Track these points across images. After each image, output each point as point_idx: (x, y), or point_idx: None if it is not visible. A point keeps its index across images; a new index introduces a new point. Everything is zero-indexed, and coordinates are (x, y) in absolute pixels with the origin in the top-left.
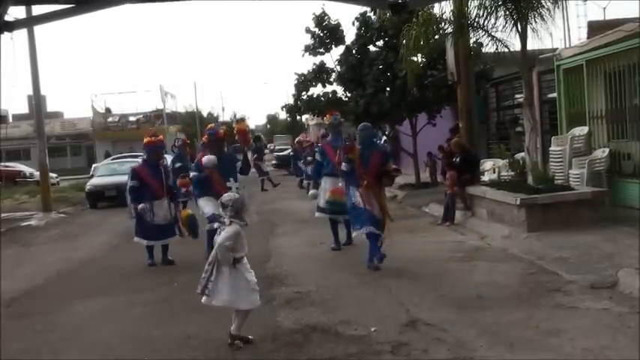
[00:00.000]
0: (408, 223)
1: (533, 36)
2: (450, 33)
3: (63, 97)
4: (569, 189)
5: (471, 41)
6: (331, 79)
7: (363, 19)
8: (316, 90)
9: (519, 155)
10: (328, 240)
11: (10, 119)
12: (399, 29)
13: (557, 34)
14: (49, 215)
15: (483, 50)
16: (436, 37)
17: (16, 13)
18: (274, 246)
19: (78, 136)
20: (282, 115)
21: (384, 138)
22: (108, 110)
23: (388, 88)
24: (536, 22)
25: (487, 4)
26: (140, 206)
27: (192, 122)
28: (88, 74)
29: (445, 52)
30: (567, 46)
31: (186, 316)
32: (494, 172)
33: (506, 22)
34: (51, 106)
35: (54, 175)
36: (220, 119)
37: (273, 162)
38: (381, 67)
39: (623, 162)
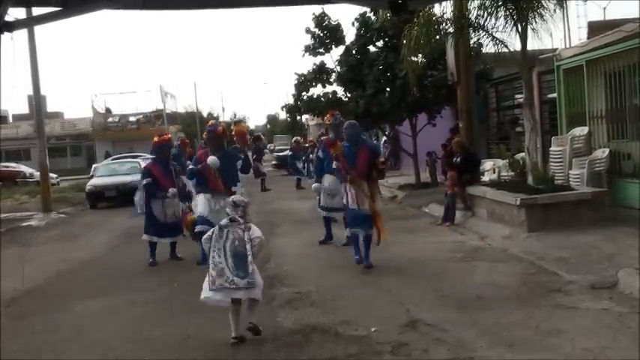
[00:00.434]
0: (408, 223)
1: (534, 36)
2: (451, 33)
3: (63, 97)
4: (570, 189)
5: (471, 41)
6: (331, 80)
7: (362, 20)
8: (316, 90)
9: (519, 155)
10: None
11: (10, 119)
12: (399, 29)
13: (558, 34)
14: (49, 215)
15: (483, 50)
16: (437, 37)
17: (16, 13)
18: (274, 246)
19: (78, 136)
20: (282, 115)
21: (385, 138)
22: (108, 110)
23: (388, 89)
24: (536, 22)
25: (487, 4)
26: (172, 191)
27: (193, 122)
28: (88, 74)
29: (445, 52)
30: (567, 46)
31: (186, 316)
32: (494, 173)
33: (506, 23)
34: (51, 107)
35: (54, 175)
36: (220, 119)
37: (273, 162)
38: (381, 67)
39: (623, 162)
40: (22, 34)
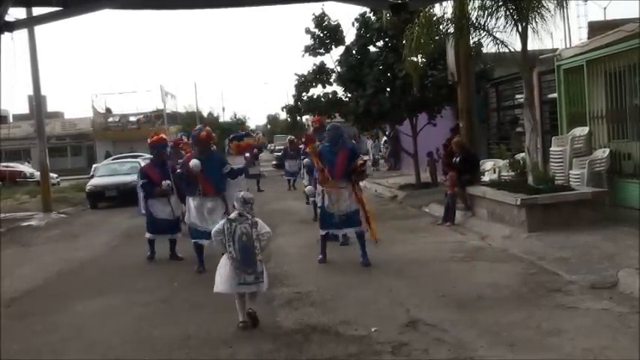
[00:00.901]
0: (409, 223)
1: (534, 36)
2: (451, 33)
3: (63, 97)
4: (570, 189)
5: (472, 41)
6: (331, 80)
7: (362, 20)
8: (316, 90)
9: (520, 155)
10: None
11: (11, 119)
12: (399, 30)
13: (558, 34)
14: (50, 215)
15: (484, 50)
16: (437, 37)
17: (16, 13)
18: (274, 246)
19: (78, 136)
20: (283, 115)
21: (385, 138)
22: (108, 110)
23: (388, 89)
24: (536, 22)
25: (488, 4)
26: (165, 183)
27: (193, 122)
28: (88, 74)
29: (446, 52)
30: (568, 46)
31: (186, 316)
32: (494, 173)
33: (506, 23)
34: (51, 106)
35: (54, 175)
36: (221, 119)
37: (273, 162)
38: (381, 67)
39: (624, 162)
40: (22, 34)
